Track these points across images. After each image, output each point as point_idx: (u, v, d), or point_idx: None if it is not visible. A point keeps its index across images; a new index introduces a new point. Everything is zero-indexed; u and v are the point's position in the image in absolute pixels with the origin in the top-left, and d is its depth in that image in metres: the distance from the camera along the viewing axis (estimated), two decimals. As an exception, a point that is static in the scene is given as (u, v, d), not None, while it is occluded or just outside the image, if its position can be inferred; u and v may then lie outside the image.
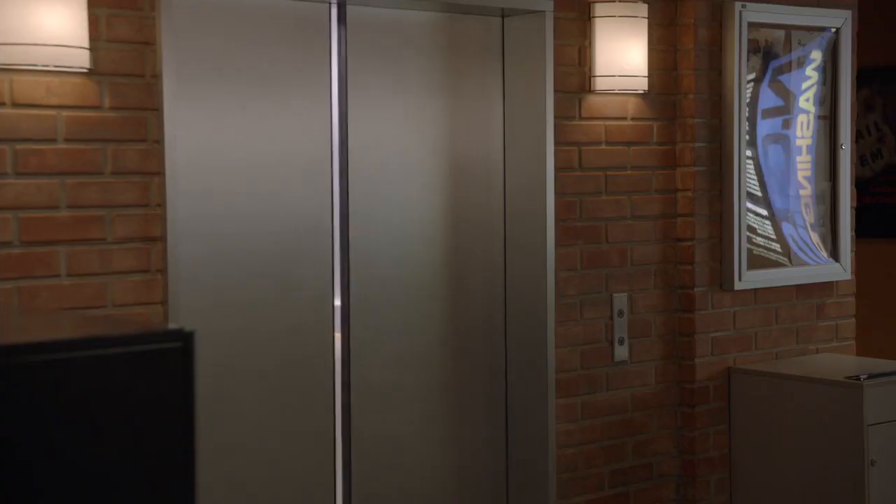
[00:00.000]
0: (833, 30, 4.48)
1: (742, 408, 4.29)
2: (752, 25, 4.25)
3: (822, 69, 4.49)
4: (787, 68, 4.39)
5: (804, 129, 4.45)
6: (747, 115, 4.26)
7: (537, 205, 3.90)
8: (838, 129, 4.52)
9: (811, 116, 4.47)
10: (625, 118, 4.09)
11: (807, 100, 4.45)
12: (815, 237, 4.51)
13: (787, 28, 4.37)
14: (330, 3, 3.63)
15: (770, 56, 4.34)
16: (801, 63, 4.43)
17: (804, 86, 4.44)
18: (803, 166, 4.46)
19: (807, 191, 4.48)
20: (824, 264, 4.54)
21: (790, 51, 4.39)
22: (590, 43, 3.97)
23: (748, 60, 4.25)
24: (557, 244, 3.92)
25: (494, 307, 4.01)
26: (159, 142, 3.13)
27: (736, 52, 4.20)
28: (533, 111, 3.89)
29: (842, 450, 4.02)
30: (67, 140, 3.01)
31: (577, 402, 4.00)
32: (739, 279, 4.26)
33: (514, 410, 4.00)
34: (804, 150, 4.46)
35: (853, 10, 4.55)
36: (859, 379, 4.05)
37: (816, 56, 4.46)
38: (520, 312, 3.97)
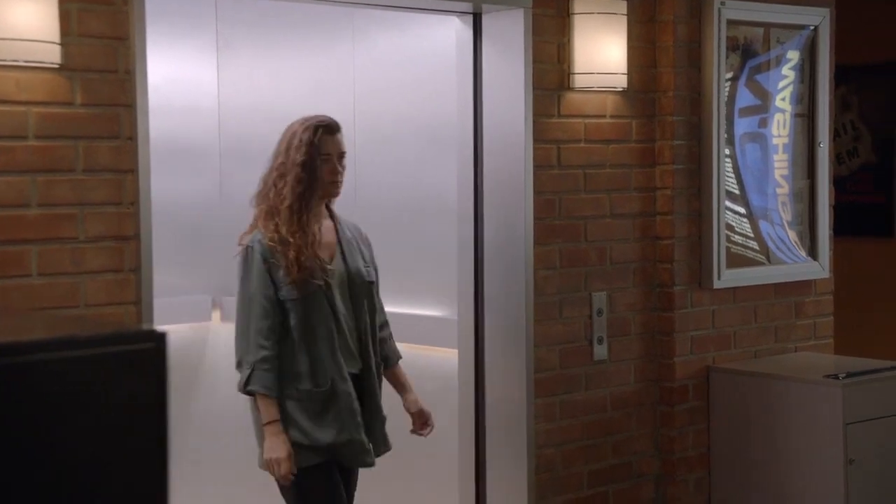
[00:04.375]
0: (811, 27, 4.48)
1: (721, 407, 4.27)
2: (730, 23, 4.23)
3: (800, 68, 4.48)
4: (764, 67, 4.38)
5: (780, 127, 4.44)
6: (725, 113, 4.25)
7: (516, 203, 3.87)
8: (816, 126, 4.51)
9: (787, 115, 4.46)
10: (604, 116, 4.07)
11: (783, 99, 4.44)
12: (792, 235, 4.50)
13: (766, 25, 4.36)
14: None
15: (748, 54, 4.32)
16: (778, 62, 4.41)
17: (780, 85, 4.43)
18: (780, 164, 4.45)
19: (784, 189, 4.47)
20: (802, 263, 4.53)
21: (769, 49, 4.38)
22: (569, 40, 3.94)
23: (727, 58, 4.23)
24: (536, 242, 3.89)
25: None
26: (132, 138, 3.08)
27: (715, 49, 4.18)
28: (511, 108, 3.86)
29: (821, 448, 4.01)
30: (38, 137, 2.95)
31: (556, 402, 3.97)
32: (718, 278, 4.24)
33: (492, 410, 3.96)
34: (781, 148, 4.45)
35: (831, 8, 4.55)
36: (838, 377, 4.05)
37: (793, 56, 4.45)
38: (498, 311, 3.93)
